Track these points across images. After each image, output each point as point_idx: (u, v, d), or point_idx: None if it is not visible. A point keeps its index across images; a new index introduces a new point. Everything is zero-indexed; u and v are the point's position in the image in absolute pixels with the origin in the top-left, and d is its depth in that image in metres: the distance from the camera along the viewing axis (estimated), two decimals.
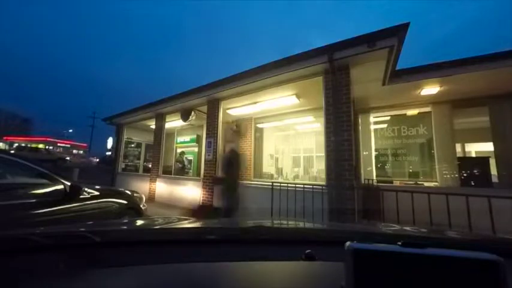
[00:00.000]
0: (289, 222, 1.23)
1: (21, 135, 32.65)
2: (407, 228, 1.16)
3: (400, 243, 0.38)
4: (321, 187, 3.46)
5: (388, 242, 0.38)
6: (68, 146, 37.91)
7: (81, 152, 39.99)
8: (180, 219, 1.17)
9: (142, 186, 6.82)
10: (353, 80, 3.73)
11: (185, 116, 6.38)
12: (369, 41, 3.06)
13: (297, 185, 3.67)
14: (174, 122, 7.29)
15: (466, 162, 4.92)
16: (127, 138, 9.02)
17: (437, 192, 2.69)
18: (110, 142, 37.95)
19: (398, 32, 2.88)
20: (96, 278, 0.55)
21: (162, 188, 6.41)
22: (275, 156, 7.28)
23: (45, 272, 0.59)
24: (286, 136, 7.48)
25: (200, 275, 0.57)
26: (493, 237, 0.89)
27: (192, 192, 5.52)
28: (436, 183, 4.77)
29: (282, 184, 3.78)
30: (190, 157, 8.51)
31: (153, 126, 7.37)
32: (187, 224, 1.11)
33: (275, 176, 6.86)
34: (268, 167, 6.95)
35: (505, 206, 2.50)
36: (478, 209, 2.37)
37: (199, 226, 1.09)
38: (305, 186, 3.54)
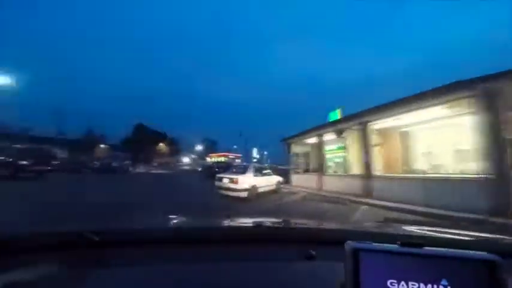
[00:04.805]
0: (289, 222, 1.20)
1: (214, 153, 54.36)
2: (407, 227, 1.17)
3: (399, 242, 0.37)
4: (476, 178, 4.29)
5: (387, 242, 0.38)
6: (233, 157, 56.14)
7: (238, 160, 56.99)
8: (179, 219, 1.20)
9: (310, 181, 10.71)
10: None
11: (338, 134, 9.43)
12: None
13: (450, 176, 4.70)
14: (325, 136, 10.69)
15: None
16: (293, 152, 13.85)
17: None
18: (254, 152, 50.87)
19: None
20: (95, 278, 0.57)
21: (327, 181, 9.91)
22: (425, 152, 8.11)
23: (45, 272, 0.59)
24: (435, 134, 7.82)
25: (200, 275, 0.58)
26: (493, 237, 0.90)
27: (349, 184, 8.25)
28: None
29: (428, 176, 4.94)
30: (339, 160, 11.44)
31: (309, 141, 11.20)
32: (186, 224, 1.14)
33: (426, 170, 7.62)
34: (417, 163, 8.08)
35: None
36: None
37: (199, 226, 1.09)
38: (460, 177, 4.45)
